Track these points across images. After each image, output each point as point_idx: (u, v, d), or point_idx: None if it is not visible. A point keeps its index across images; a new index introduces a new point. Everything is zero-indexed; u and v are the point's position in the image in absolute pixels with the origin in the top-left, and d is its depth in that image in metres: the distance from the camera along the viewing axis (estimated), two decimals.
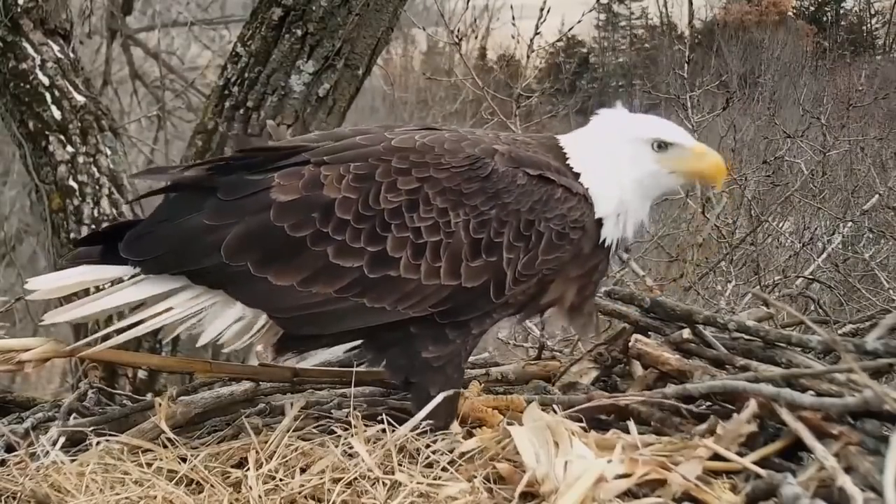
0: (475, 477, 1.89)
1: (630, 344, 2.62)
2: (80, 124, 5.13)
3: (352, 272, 2.16)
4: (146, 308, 2.30)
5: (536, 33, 5.65)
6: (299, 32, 4.41)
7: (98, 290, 2.39)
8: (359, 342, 2.34)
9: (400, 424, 2.12)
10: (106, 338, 2.42)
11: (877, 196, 7.05)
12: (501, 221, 2.18)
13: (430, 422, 2.13)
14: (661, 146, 2.34)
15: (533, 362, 2.92)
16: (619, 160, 2.33)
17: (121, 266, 2.29)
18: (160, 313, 2.27)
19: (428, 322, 2.21)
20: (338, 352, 2.94)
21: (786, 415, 1.98)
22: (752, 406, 2.02)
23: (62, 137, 5.09)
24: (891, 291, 5.77)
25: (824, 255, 6.11)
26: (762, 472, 1.85)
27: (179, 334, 2.40)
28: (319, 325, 2.22)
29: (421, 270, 2.16)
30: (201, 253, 2.18)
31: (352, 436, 2.05)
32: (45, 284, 2.38)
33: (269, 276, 2.16)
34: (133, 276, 2.29)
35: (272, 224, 2.16)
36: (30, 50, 5.09)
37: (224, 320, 2.26)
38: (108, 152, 5.23)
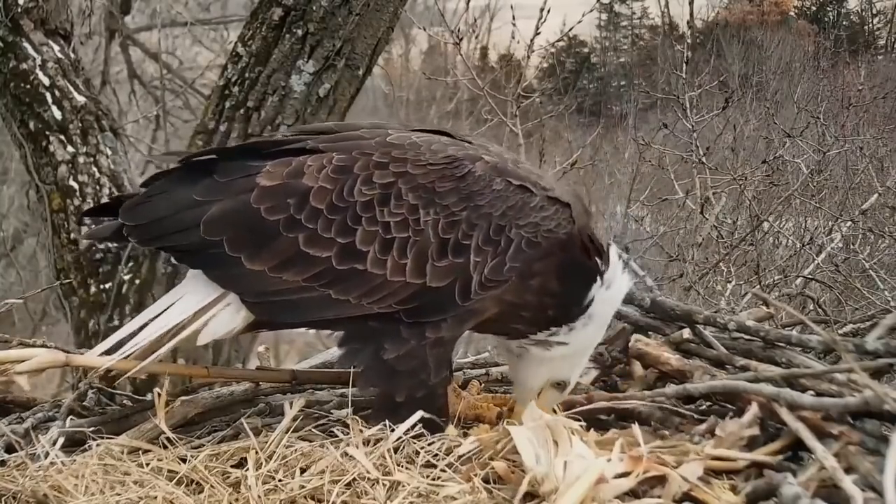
0: (474, 477, 1.89)
1: (630, 344, 2.62)
2: (80, 124, 5.14)
3: (321, 262, 2.16)
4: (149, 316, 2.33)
5: (537, 33, 5.65)
6: (300, 32, 4.41)
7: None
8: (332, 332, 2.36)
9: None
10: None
11: (876, 195, 7.05)
12: (471, 224, 2.16)
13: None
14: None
15: None
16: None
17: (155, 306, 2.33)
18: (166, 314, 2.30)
19: (388, 319, 2.19)
20: (338, 352, 2.94)
21: (786, 415, 1.98)
22: (753, 409, 2.02)
23: (62, 137, 5.10)
24: (885, 292, 5.77)
25: (823, 255, 6.11)
26: (765, 460, 1.86)
27: None
28: (286, 312, 2.23)
29: (387, 266, 2.15)
30: (183, 226, 2.21)
31: (350, 438, 2.05)
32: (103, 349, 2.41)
33: (242, 256, 2.17)
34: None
35: (250, 206, 2.18)
36: (30, 50, 5.09)
37: (222, 321, 2.27)
38: (109, 152, 5.24)
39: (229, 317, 2.28)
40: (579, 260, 2.30)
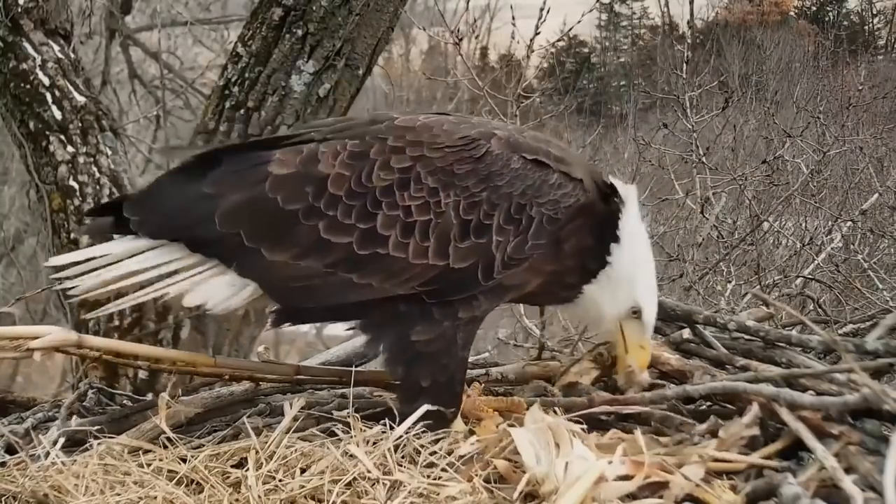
0: (475, 477, 1.89)
1: None
2: (80, 124, 5.12)
3: (342, 248, 2.17)
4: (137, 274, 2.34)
5: (537, 33, 5.65)
6: (300, 32, 4.40)
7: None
8: (355, 321, 2.34)
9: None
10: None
11: (876, 195, 7.05)
12: (492, 204, 2.19)
13: (424, 423, 2.10)
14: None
15: (533, 362, 2.92)
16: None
17: (133, 239, 2.32)
18: (150, 273, 2.31)
19: (416, 301, 2.20)
20: (338, 352, 2.94)
21: (786, 415, 1.98)
22: (754, 409, 2.02)
23: (62, 137, 5.08)
24: (885, 292, 5.76)
25: (823, 255, 6.11)
26: (766, 464, 1.86)
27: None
28: (308, 298, 2.23)
29: (409, 249, 2.16)
30: (196, 220, 2.22)
31: (351, 437, 2.05)
32: (65, 260, 2.42)
33: (262, 248, 2.18)
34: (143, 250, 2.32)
35: (266, 196, 2.19)
36: (30, 50, 5.08)
37: (217, 289, 2.27)
38: (109, 152, 5.22)
39: (226, 290, 2.27)
40: (602, 212, 2.34)
